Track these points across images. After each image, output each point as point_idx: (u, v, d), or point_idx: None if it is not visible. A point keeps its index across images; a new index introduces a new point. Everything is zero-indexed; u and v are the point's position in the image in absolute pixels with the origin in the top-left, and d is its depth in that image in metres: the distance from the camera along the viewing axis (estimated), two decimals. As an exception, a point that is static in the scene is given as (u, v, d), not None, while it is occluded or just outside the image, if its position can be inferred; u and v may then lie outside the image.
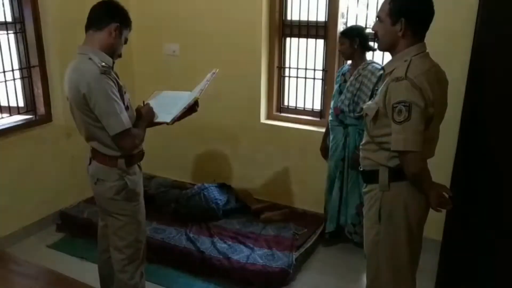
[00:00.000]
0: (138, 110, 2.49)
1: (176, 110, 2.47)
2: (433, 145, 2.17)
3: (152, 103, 2.55)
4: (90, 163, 2.44)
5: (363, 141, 2.24)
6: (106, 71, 2.20)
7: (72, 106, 2.32)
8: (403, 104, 1.92)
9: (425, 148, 2.01)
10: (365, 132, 2.22)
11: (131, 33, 2.44)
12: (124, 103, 2.29)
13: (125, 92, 2.34)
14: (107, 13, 2.29)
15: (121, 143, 2.28)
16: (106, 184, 2.37)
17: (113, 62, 2.35)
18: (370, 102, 2.20)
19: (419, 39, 2.06)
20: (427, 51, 2.09)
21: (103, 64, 2.21)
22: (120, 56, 2.42)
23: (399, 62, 2.04)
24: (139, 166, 2.53)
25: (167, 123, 2.47)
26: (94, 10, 2.32)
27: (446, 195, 2.07)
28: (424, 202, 2.12)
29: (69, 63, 2.33)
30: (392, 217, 2.14)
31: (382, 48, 2.18)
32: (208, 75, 2.63)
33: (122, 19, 2.32)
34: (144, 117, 2.44)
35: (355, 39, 3.18)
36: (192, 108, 2.51)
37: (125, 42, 2.40)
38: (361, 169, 2.28)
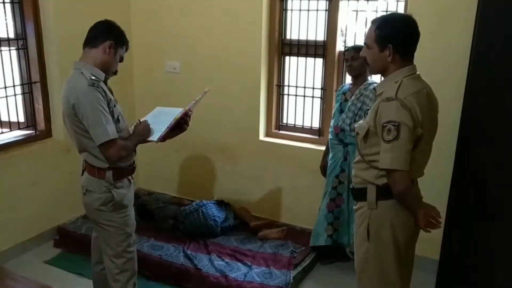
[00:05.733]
0: (135, 126, 2.55)
1: (164, 128, 2.52)
2: (422, 165, 2.21)
3: (149, 119, 2.59)
4: (82, 174, 2.54)
5: (355, 159, 2.28)
6: (95, 84, 2.30)
7: (64, 118, 2.41)
8: (392, 123, 1.97)
9: (413, 167, 2.05)
10: (356, 151, 2.26)
11: (132, 50, 2.49)
12: (114, 116, 2.39)
13: (115, 105, 2.43)
14: (102, 31, 2.41)
15: (106, 152, 2.35)
16: (94, 195, 2.45)
17: (106, 77, 2.45)
18: (361, 121, 2.25)
19: (409, 62, 2.12)
20: (418, 73, 2.14)
21: (93, 77, 2.32)
22: (115, 73, 2.52)
23: (390, 83, 2.09)
24: (129, 180, 2.58)
25: (155, 142, 2.53)
26: (91, 29, 2.44)
27: (435, 217, 2.08)
28: (412, 222, 2.14)
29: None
30: (379, 235, 2.17)
31: (374, 73, 2.24)
32: (200, 95, 2.69)
33: (117, 38, 2.42)
34: (139, 133, 2.50)
35: None
36: (180, 127, 2.58)
37: (121, 61, 2.50)
38: (352, 187, 2.32)
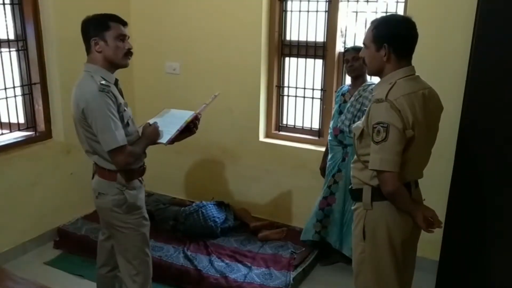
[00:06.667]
0: (144, 128, 2.53)
1: (174, 131, 2.51)
2: (419, 166, 2.21)
3: (158, 121, 2.58)
4: (93, 178, 2.52)
5: (353, 160, 2.29)
6: (105, 89, 2.28)
7: (75, 123, 2.41)
8: (381, 125, 1.98)
9: (409, 169, 2.06)
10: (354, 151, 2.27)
11: (133, 49, 2.46)
12: (124, 120, 2.37)
13: (125, 109, 2.41)
14: (83, 36, 2.39)
15: (114, 159, 2.34)
16: (106, 197, 2.43)
17: (117, 80, 2.43)
18: (358, 122, 2.25)
19: (406, 63, 2.11)
20: (416, 74, 2.14)
21: (103, 82, 2.30)
22: (129, 54, 2.42)
23: (385, 84, 2.09)
24: (140, 181, 2.57)
25: (164, 144, 2.51)
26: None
27: (431, 219, 2.10)
28: (408, 223, 2.14)
29: (76, 80, 2.41)
30: (375, 236, 2.17)
31: (371, 73, 2.25)
32: (210, 99, 2.67)
33: (94, 30, 2.35)
34: (148, 136, 2.49)
35: None
36: (190, 130, 2.57)
37: (122, 39, 2.39)
38: (350, 187, 2.33)
